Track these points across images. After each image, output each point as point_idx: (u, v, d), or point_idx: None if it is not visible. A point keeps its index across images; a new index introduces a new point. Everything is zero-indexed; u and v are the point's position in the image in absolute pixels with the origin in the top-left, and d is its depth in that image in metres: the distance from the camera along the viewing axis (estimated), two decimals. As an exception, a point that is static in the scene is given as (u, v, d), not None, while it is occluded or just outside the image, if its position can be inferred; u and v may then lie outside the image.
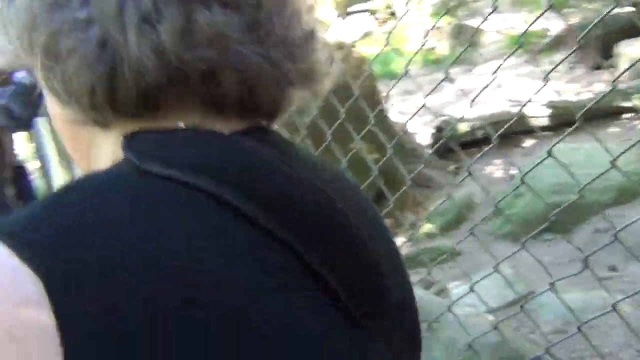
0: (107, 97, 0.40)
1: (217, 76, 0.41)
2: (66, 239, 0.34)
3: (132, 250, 0.34)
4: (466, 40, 7.48)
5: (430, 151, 4.49)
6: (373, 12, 9.86)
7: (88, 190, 0.39)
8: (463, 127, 4.76)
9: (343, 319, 0.41)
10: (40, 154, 4.32)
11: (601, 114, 4.76)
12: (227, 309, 0.35)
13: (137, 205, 0.37)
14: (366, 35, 8.98)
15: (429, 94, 1.78)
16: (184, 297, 0.33)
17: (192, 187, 0.38)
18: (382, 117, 3.13)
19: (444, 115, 4.96)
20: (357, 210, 0.46)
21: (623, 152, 1.31)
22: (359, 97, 1.87)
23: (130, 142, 0.40)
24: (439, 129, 4.86)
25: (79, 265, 0.32)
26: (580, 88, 6.02)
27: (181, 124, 0.42)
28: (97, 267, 0.33)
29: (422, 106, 1.78)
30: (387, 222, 2.77)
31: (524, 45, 5.31)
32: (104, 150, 0.45)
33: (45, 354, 0.30)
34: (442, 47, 8.27)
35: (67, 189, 0.40)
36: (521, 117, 4.32)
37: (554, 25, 6.85)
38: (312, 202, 0.41)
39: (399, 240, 3.27)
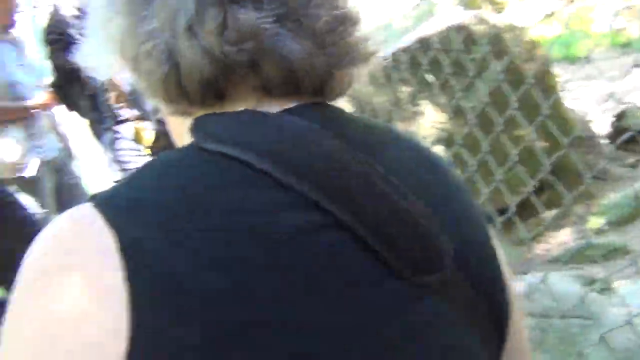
0: (177, 90, 0.50)
1: (259, 65, 0.49)
2: (134, 206, 0.45)
3: (181, 222, 0.44)
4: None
5: (607, 141, 4.18)
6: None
7: (156, 167, 0.50)
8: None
9: (403, 286, 0.47)
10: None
11: None
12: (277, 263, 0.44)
13: (188, 177, 0.47)
14: (548, 16, 8.44)
15: (613, 80, 1.71)
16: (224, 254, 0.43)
17: (236, 159, 0.46)
18: (556, 104, 3.01)
19: (626, 103, 4.56)
20: (404, 170, 0.52)
21: None
22: (530, 82, 1.85)
23: (194, 125, 0.50)
24: (619, 118, 4.48)
25: (142, 226, 0.44)
26: None
27: (239, 109, 0.50)
28: (154, 228, 0.43)
29: (607, 94, 1.72)
30: (554, 212, 2.69)
31: None
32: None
33: (113, 279, 0.41)
34: (634, 28, 7.51)
35: (144, 167, 0.50)
36: None
37: None
38: (349, 171, 0.47)
39: (566, 233, 3.14)
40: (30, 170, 2.96)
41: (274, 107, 0.50)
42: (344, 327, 0.44)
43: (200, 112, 0.51)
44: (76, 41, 2.64)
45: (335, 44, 0.51)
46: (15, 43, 3.13)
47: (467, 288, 0.50)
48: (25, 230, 2.36)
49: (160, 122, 2.22)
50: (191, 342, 0.40)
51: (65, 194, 3.23)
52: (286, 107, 0.51)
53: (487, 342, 0.53)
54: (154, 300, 0.41)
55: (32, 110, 2.99)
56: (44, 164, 3.06)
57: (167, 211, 0.44)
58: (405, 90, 2.70)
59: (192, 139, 0.50)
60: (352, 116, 0.56)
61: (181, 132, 0.54)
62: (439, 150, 2.73)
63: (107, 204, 0.45)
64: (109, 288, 0.41)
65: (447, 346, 0.49)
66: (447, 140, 2.57)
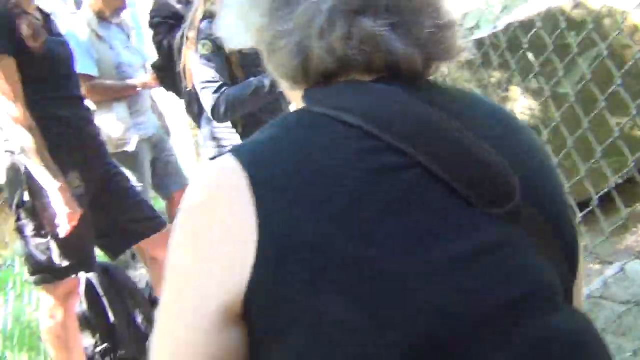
0: (302, 77, 0.64)
1: (371, 61, 0.62)
2: (263, 154, 0.59)
3: (296, 165, 0.56)
4: None
5: None
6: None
7: (279, 125, 0.64)
8: None
9: (481, 214, 0.56)
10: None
11: None
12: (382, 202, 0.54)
13: (301, 133, 0.61)
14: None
15: None
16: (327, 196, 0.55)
17: (337, 119, 0.58)
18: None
19: None
20: (481, 126, 0.63)
21: None
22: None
23: (305, 95, 0.65)
24: None
25: (268, 168, 0.57)
26: None
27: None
28: (277, 169, 0.57)
29: None
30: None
31: None
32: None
33: (246, 210, 0.54)
34: None
35: (270, 125, 0.64)
36: None
37: None
38: (435, 127, 0.59)
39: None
40: (131, 146, 3.16)
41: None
42: (428, 245, 0.54)
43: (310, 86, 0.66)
44: (180, 25, 2.78)
45: (435, 47, 0.63)
46: (123, 26, 3.36)
47: (542, 223, 0.60)
48: (129, 201, 2.53)
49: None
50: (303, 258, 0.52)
51: (160, 169, 3.43)
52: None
53: (560, 272, 0.60)
54: (276, 227, 0.54)
55: (136, 89, 3.19)
56: (144, 140, 3.26)
57: (286, 158, 0.57)
58: (495, 75, 2.67)
59: (304, 105, 0.65)
60: (434, 82, 0.68)
61: (297, 100, 0.69)
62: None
63: (242, 153, 0.59)
64: (244, 216, 0.54)
65: (516, 266, 0.56)
66: (535, 128, 2.51)
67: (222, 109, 2.22)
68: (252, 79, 2.24)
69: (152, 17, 2.93)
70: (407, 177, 0.55)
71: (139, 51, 3.49)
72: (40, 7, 2.38)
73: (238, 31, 0.71)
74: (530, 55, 2.33)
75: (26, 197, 2.16)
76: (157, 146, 3.41)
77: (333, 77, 0.63)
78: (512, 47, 2.40)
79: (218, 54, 2.24)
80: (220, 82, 2.23)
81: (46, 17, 2.37)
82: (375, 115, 0.58)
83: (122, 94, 3.17)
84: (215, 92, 2.23)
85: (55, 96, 2.26)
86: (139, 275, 3.44)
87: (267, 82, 2.20)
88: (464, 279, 0.53)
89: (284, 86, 0.71)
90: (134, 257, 3.81)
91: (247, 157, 0.58)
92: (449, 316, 0.52)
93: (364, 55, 0.61)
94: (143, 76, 3.24)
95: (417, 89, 0.62)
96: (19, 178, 2.16)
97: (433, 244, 0.54)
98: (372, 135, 0.56)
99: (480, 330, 0.52)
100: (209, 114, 2.29)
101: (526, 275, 0.56)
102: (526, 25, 2.44)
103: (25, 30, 2.11)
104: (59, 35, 2.42)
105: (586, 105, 2.06)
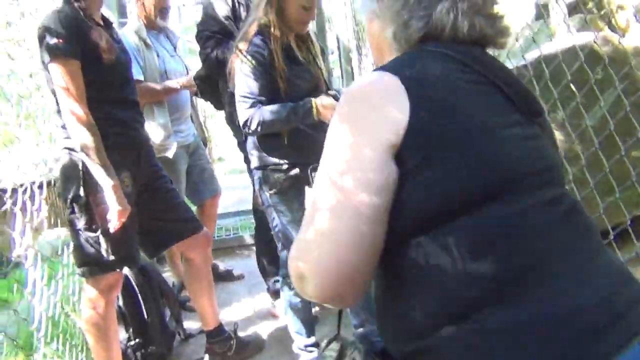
0: (416, 42, 0.99)
1: (457, 31, 0.97)
2: (401, 68, 0.90)
3: (422, 76, 0.89)
4: None
5: None
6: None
7: (403, 55, 0.99)
8: None
9: (524, 118, 0.92)
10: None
11: None
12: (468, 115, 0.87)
13: (422, 58, 0.94)
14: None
15: None
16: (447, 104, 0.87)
17: (445, 55, 0.93)
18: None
19: None
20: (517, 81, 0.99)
21: None
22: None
23: (419, 45, 0.99)
24: None
25: (408, 75, 0.88)
26: None
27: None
28: (415, 79, 0.88)
29: None
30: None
31: None
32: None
33: (402, 103, 0.85)
34: None
35: (401, 56, 0.98)
36: None
37: None
38: (505, 69, 0.99)
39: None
40: (170, 152, 3.31)
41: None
42: (502, 125, 0.89)
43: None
44: (227, 40, 2.93)
45: (496, 23, 1.01)
46: (170, 36, 3.53)
47: (549, 131, 1.01)
48: (171, 202, 2.68)
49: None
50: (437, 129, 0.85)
51: (195, 176, 3.59)
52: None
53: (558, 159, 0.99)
54: (421, 109, 0.85)
55: (178, 90, 3.34)
56: (182, 147, 3.41)
57: (417, 72, 0.90)
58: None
59: (418, 47, 0.99)
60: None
61: (387, 54, 1.05)
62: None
63: (387, 68, 0.91)
64: (402, 95, 0.86)
65: (544, 150, 0.94)
66: (569, 160, 2.63)
67: (253, 125, 2.36)
68: (289, 104, 2.37)
69: (200, 31, 3.08)
70: (490, 89, 0.91)
71: (184, 60, 3.65)
72: (103, 14, 2.56)
73: (368, 3, 1.07)
74: (553, 88, 2.47)
75: (81, 192, 2.30)
76: (194, 153, 3.57)
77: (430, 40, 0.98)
78: (538, 79, 2.54)
79: (261, 70, 2.38)
80: (257, 99, 2.37)
81: (109, 24, 2.55)
82: (468, 56, 0.93)
83: (165, 95, 3.31)
84: (250, 107, 2.37)
85: (116, 99, 2.42)
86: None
87: (310, 104, 2.34)
88: (521, 149, 0.88)
89: (386, 44, 1.04)
90: (158, 259, 3.93)
91: (393, 69, 0.90)
92: (511, 166, 0.86)
93: (473, 40, 0.97)
94: (184, 78, 3.39)
95: (482, 50, 1.02)
96: (76, 174, 2.30)
97: (507, 124, 0.89)
98: (466, 64, 0.92)
99: (524, 181, 0.86)
100: (241, 126, 2.43)
101: (549, 157, 0.93)
102: (551, 60, 2.58)
103: (102, 42, 2.28)
104: (119, 42, 2.58)
105: (608, 139, 2.19)
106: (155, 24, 3.38)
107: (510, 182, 0.84)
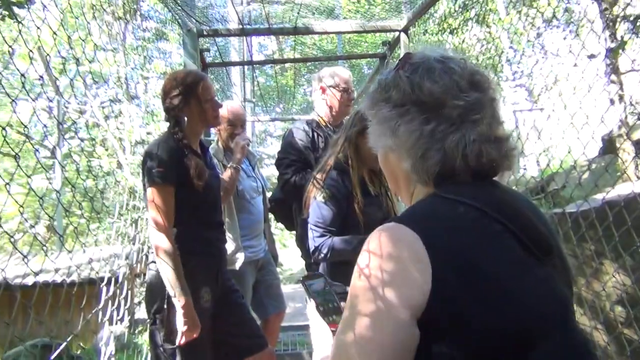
0: (432, 177, 1.02)
1: (481, 170, 1.02)
2: (421, 221, 0.94)
3: (443, 232, 0.92)
4: None
5: None
6: None
7: (423, 204, 1.02)
8: None
9: (538, 260, 0.94)
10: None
11: None
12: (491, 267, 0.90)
13: (442, 210, 0.97)
14: None
15: None
16: (469, 260, 0.89)
17: (465, 204, 0.95)
18: None
19: None
20: (533, 213, 1.03)
21: None
22: None
23: (439, 187, 1.02)
24: None
25: (430, 232, 0.91)
26: None
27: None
28: (437, 236, 0.91)
29: None
30: None
31: None
32: (420, 192, 1.08)
33: (423, 270, 0.87)
34: None
35: (417, 203, 1.03)
36: None
37: None
38: (517, 209, 1.00)
39: None
40: (238, 265, 3.45)
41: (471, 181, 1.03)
42: (521, 272, 0.92)
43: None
44: (305, 169, 3.16)
45: (502, 146, 1.04)
46: (249, 157, 3.83)
47: (561, 267, 1.01)
48: (243, 317, 2.82)
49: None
50: (457, 288, 0.87)
51: (262, 290, 3.71)
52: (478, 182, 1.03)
53: (570, 297, 1.02)
54: (443, 271, 0.87)
55: (248, 214, 3.57)
56: (251, 262, 3.58)
57: (437, 226, 0.94)
58: (589, 247, 2.85)
59: (433, 193, 1.02)
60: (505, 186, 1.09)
61: (411, 190, 1.11)
62: (618, 309, 2.78)
63: (408, 221, 0.94)
64: (422, 265, 0.87)
65: (558, 291, 0.96)
66: (629, 302, 2.63)
67: (322, 254, 2.50)
68: (359, 235, 2.50)
69: (281, 158, 3.32)
70: (506, 234, 0.94)
71: (260, 179, 3.91)
72: (201, 140, 2.86)
73: (383, 139, 1.11)
74: (616, 234, 2.54)
75: (164, 306, 2.49)
76: (263, 268, 3.72)
77: (450, 177, 1.01)
78: (602, 223, 2.62)
79: (335, 202, 2.55)
80: (328, 228, 2.53)
81: (204, 149, 2.85)
82: (484, 201, 0.97)
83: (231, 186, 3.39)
84: (321, 236, 2.52)
85: (204, 220, 2.66)
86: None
87: None
88: (541, 293, 0.92)
89: (407, 179, 1.10)
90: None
91: (413, 222, 0.93)
92: (534, 311, 0.89)
93: (482, 166, 1.01)
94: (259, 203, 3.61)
95: (495, 184, 1.06)
96: (161, 289, 2.50)
97: (524, 271, 0.93)
98: (484, 212, 0.95)
99: (548, 324, 0.89)
100: (311, 253, 2.56)
101: (562, 298, 0.96)
102: (615, 205, 2.66)
103: (192, 170, 2.56)
104: (212, 167, 2.86)
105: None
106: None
107: (538, 329, 0.88)
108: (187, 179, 2.56)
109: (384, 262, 0.90)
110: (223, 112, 3.58)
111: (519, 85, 12.49)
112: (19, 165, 2.38)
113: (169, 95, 2.68)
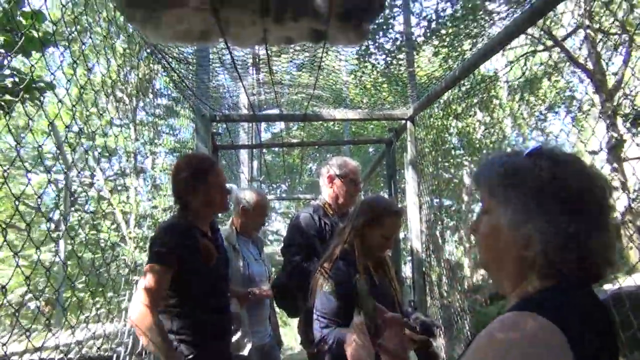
0: (554, 270, 1.01)
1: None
2: (556, 312, 0.91)
3: (580, 326, 0.92)
4: None
5: None
6: None
7: (559, 296, 0.98)
8: None
9: None
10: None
11: None
12: None
13: (580, 303, 0.97)
14: None
15: None
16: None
17: (596, 300, 1.00)
18: None
19: None
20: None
21: None
22: None
23: (564, 281, 1.00)
24: None
25: (570, 325, 0.89)
26: None
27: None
28: (576, 330, 0.90)
29: None
30: None
31: None
32: (534, 282, 1.03)
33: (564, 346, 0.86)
34: None
35: (548, 294, 0.99)
36: None
37: None
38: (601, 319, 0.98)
39: None
40: (245, 351, 3.39)
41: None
42: None
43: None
44: (313, 256, 3.16)
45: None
46: (257, 242, 3.86)
47: None
48: None
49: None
50: None
51: (266, 375, 3.63)
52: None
53: None
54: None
55: (255, 299, 3.54)
56: (257, 347, 3.51)
57: (575, 318, 0.92)
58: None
59: (562, 286, 1.00)
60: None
61: (529, 282, 1.04)
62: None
63: (547, 313, 0.90)
64: (564, 351, 0.86)
65: None
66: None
67: (327, 345, 2.44)
68: None
69: (289, 245, 3.32)
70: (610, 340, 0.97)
71: (267, 265, 3.92)
72: (213, 221, 2.88)
73: (502, 219, 1.07)
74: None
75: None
76: (268, 353, 3.65)
77: (578, 273, 1.00)
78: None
79: (341, 292, 2.50)
80: (333, 319, 2.49)
81: (215, 231, 2.87)
82: (591, 301, 1.00)
83: (245, 301, 3.50)
84: (326, 327, 2.48)
85: (209, 307, 2.63)
86: None
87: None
88: None
89: (520, 267, 1.06)
90: None
91: (550, 313, 0.90)
92: None
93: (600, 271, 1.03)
94: (265, 287, 3.61)
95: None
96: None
97: None
98: (605, 309, 0.99)
99: None
100: (315, 343, 2.51)
101: None
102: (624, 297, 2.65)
103: (202, 252, 2.57)
104: (223, 251, 2.87)
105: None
106: (251, 233, 3.73)
107: None
108: (192, 262, 2.55)
109: (529, 351, 0.86)
110: (253, 199, 3.66)
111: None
112: (29, 237, 2.37)
113: (180, 178, 2.71)
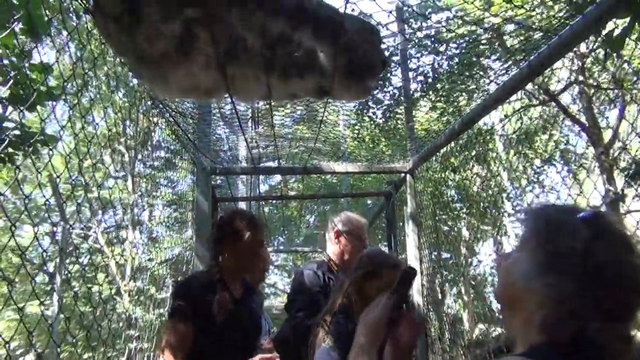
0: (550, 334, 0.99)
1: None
2: None
3: None
4: None
5: None
6: None
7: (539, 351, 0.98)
8: None
9: None
10: None
11: None
12: None
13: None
14: None
15: None
16: None
17: None
18: None
19: None
20: None
21: None
22: None
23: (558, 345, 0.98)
24: None
25: None
26: None
27: None
28: None
29: None
30: None
31: None
32: (534, 337, 1.01)
33: None
34: None
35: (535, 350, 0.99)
36: None
37: None
38: None
39: None
40: None
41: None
42: None
43: None
44: (317, 310, 3.11)
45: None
46: (259, 295, 3.79)
47: None
48: None
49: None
50: None
51: None
52: None
53: None
54: None
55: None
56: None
57: None
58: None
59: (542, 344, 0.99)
60: None
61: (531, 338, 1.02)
62: None
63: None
64: None
65: None
66: None
67: None
68: None
69: (293, 300, 3.27)
70: None
71: (267, 319, 3.86)
72: (246, 280, 2.83)
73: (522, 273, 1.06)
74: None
75: None
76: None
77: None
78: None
79: (341, 346, 2.47)
80: None
81: (249, 293, 2.79)
82: None
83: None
84: None
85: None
86: None
87: None
88: None
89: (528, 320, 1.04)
90: None
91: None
92: None
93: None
94: (267, 342, 3.53)
95: None
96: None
97: None
98: None
99: None
100: None
101: None
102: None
103: (215, 309, 2.50)
104: (257, 317, 2.82)
105: None
106: (256, 285, 3.70)
107: None
108: (202, 316, 2.48)
109: None
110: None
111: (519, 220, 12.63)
112: (35, 290, 2.36)
113: (216, 230, 2.69)
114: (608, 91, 7.15)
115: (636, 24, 2.02)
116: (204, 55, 1.64)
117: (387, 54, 5.45)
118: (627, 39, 2.11)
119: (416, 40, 4.52)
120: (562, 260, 1.01)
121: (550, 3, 2.59)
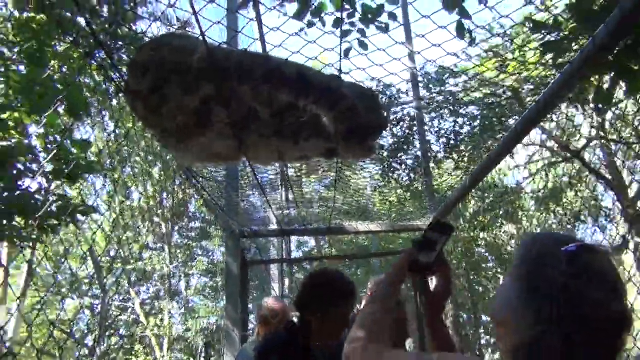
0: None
1: None
2: None
3: None
4: None
5: None
6: None
7: None
8: None
9: None
10: None
11: None
12: None
13: None
14: None
15: None
16: None
17: None
18: None
19: None
20: None
21: None
22: None
23: None
24: None
25: None
26: None
27: None
28: None
29: None
30: None
31: None
32: None
33: None
34: None
35: None
36: None
37: None
38: None
39: None
40: None
41: None
42: None
43: None
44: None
45: None
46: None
47: None
48: None
49: None
50: None
51: None
52: None
53: None
54: None
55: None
56: None
57: None
58: None
59: None
60: None
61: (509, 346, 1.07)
62: None
63: None
64: None
65: None
66: None
67: None
68: None
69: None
70: None
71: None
72: (292, 316, 2.78)
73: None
74: None
75: None
76: None
77: None
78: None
79: None
80: None
81: (293, 327, 2.58)
82: None
83: None
84: None
85: None
86: None
87: None
88: None
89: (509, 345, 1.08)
90: None
91: None
92: None
93: None
94: None
95: None
96: None
97: None
98: None
99: None
100: None
101: None
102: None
103: None
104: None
105: None
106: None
107: None
108: None
109: None
110: (274, 307, 3.72)
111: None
112: None
113: (308, 290, 2.49)
114: (634, 146, 7.15)
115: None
116: (219, 126, 1.86)
117: (406, 118, 5.68)
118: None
119: (432, 106, 4.72)
120: (540, 293, 1.05)
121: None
